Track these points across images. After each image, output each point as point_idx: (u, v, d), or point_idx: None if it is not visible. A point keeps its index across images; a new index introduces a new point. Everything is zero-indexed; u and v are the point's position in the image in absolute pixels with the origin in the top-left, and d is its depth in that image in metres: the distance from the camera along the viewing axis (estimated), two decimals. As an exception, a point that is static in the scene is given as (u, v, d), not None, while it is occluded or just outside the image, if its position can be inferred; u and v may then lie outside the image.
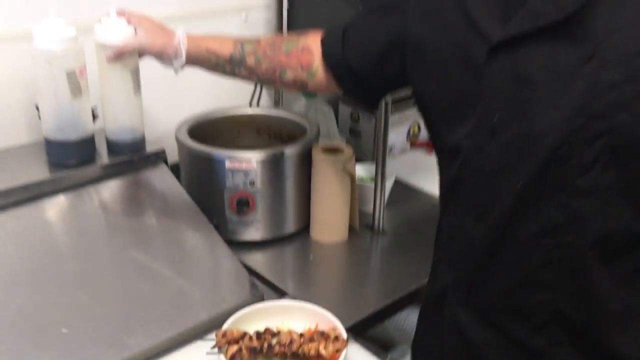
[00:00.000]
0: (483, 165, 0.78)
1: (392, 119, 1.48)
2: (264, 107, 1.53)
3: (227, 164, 1.22)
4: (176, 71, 1.06)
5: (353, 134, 1.71)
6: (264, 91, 1.54)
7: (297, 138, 1.32)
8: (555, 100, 0.71)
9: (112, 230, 1.03)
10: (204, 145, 1.25)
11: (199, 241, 1.11)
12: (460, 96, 0.81)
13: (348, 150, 1.29)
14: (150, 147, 1.16)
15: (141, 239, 1.04)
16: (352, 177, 1.29)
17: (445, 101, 0.84)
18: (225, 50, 1.06)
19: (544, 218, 0.74)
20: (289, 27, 1.49)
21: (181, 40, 1.03)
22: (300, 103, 1.57)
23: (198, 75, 1.45)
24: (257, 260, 1.24)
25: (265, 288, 1.11)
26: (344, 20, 1.33)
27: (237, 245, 1.22)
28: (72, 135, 1.05)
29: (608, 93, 0.67)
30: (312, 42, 1.06)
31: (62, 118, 1.03)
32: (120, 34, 1.02)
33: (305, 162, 1.29)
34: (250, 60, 1.06)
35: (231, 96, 1.51)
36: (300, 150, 1.27)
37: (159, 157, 1.15)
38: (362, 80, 1.01)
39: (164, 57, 1.04)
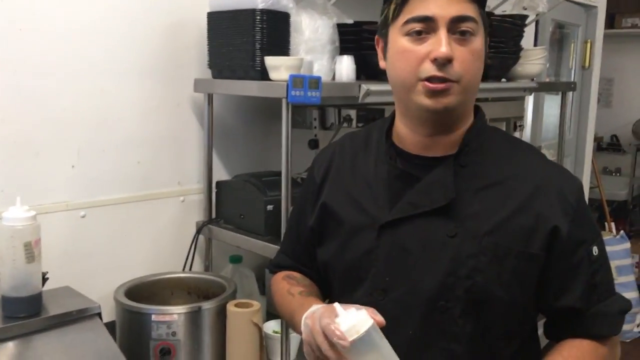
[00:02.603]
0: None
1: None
2: (195, 272, 1.82)
3: (153, 317, 1.48)
4: None
5: (277, 295, 1.99)
6: (197, 258, 1.84)
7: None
8: (430, 265, 0.99)
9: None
10: (135, 302, 1.52)
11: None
12: (355, 264, 1.06)
13: (256, 305, 1.56)
14: (88, 304, 1.43)
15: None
16: (259, 328, 1.55)
17: (343, 267, 1.09)
18: None
19: None
20: (217, 208, 1.85)
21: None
22: (227, 268, 1.87)
23: (139, 243, 1.77)
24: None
25: None
26: (257, 202, 1.67)
27: (157, 388, 1.44)
28: (24, 293, 1.33)
29: (468, 261, 0.97)
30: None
31: (17, 279, 1.31)
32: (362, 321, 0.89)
33: (221, 316, 1.55)
34: None
35: (168, 261, 1.81)
36: (216, 305, 1.54)
37: (94, 311, 1.41)
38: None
39: None
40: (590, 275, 1.00)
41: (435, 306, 0.98)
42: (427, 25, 0.95)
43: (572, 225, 0.98)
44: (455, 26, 0.95)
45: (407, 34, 0.96)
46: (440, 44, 0.93)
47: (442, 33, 0.94)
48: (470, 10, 0.96)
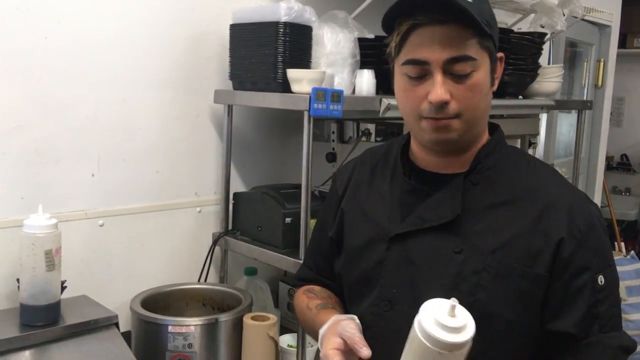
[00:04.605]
0: (384, 327, 1.03)
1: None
2: (210, 283, 1.81)
3: (170, 328, 1.47)
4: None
5: (290, 309, 1.98)
6: (212, 269, 1.84)
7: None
8: (435, 280, 1.00)
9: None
10: (152, 313, 1.51)
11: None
12: (366, 275, 1.08)
13: (273, 318, 1.55)
14: (106, 314, 1.42)
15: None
16: (275, 342, 1.54)
17: (354, 278, 1.12)
18: None
19: None
20: (234, 219, 1.84)
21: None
22: (242, 280, 1.86)
23: (156, 253, 1.77)
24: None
25: None
26: (275, 214, 1.67)
27: (173, 400, 1.42)
28: (43, 301, 1.32)
29: (472, 277, 0.97)
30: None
31: (37, 287, 1.31)
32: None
33: (237, 329, 1.54)
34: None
35: (183, 272, 1.81)
36: (233, 318, 1.53)
37: (111, 321, 1.40)
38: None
39: None
40: (591, 304, 0.96)
41: None
42: (423, 68, 0.96)
43: (577, 248, 0.96)
44: (451, 67, 0.95)
45: (407, 74, 0.99)
46: (435, 87, 0.95)
47: (437, 76, 0.95)
48: (467, 48, 0.95)
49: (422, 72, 0.97)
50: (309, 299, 1.19)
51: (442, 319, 0.81)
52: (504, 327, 0.97)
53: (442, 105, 0.96)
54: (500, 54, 1.05)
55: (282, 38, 1.59)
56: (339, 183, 1.21)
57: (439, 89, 0.95)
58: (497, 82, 1.05)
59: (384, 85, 1.80)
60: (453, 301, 0.82)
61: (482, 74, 0.98)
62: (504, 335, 0.98)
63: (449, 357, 0.81)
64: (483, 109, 1.02)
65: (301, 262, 1.54)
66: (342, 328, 0.98)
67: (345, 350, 0.96)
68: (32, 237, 1.29)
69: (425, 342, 0.81)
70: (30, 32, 1.46)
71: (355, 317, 1.03)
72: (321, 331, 1.03)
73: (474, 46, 0.96)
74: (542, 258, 0.96)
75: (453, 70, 0.96)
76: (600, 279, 0.97)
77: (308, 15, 1.63)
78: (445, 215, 1.00)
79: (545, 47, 3.00)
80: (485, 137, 1.07)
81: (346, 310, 1.18)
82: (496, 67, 1.04)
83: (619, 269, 1.04)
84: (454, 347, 0.80)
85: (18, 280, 1.34)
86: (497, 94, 2.12)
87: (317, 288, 1.22)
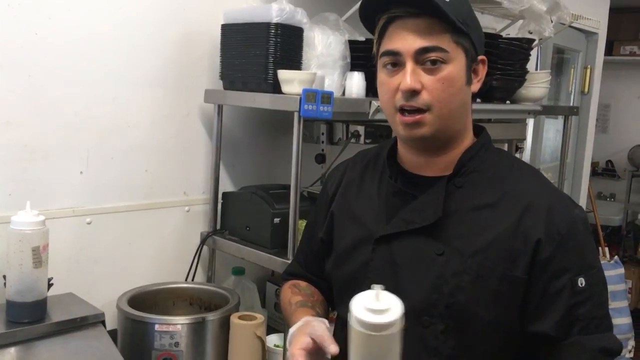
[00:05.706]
0: None
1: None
2: (198, 282, 1.81)
3: (157, 327, 1.47)
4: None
5: (277, 309, 1.98)
6: (199, 268, 1.84)
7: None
8: (417, 281, 1.02)
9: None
10: (138, 311, 1.51)
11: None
12: (353, 275, 1.10)
13: (260, 318, 1.56)
14: (92, 311, 1.42)
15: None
16: (262, 341, 1.54)
17: (343, 278, 1.14)
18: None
19: None
20: (222, 218, 1.84)
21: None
22: (230, 280, 1.86)
23: (143, 251, 1.76)
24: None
25: None
26: (264, 214, 1.67)
27: (159, 399, 1.42)
28: (30, 298, 1.31)
29: (452, 279, 0.99)
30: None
31: (23, 284, 1.30)
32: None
33: (224, 328, 1.54)
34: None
35: (171, 271, 1.80)
36: (220, 317, 1.54)
37: (98, 319, 1.40)
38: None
39: None
40: (570, 305, 0.96)
41: (419, 321, 1.00)
42: (396, 59, 1.00)
43: (556, 250, 0.97)
44: (423, 57, 0.99)
45: (384, 66, 1.02)
46: (405, 76, 0.98)
47: (408, 65, 0.99)
48: (438, 41, 0.98)
49: (396, 62, 1.00)
50: (292, 293, 1.22)
51: (368, 304, 0.88)
52: (483, 328, 0.99)
53: (412, 93, 0.98)
54: (482, 57, 1.06)
55: (273, 39, 1.59)
56: (330, 184, 1.23)
57: (408, 77, 0.98)
58: (479, 85, 1.06)
59: (374, 88, 1.81)
60: (378, 287, 0.89)
61: (455, 68, 1.00)
62: (484, 337, 1.00)
63: (380, 340, 0.87)
64: (457, 104, 1.02)
65: (289, 262, 1.55)
66: (312, 329, 1.00)
67: (312, 351, 0.98)
68: (20, 234, 1.29)
69: (354, 326, 0.88)
70: (21, 28, 1.46)
71: (326, 320, 1.06)
72: (291, 330, 1.06)
73: (447, 40, 0.99)
74: (522, 261, 0.98)
75: (426, 59, 0.98)
76: (581, 281, 0.97)
77: (299, 17, 1.64)
78: (428, 218, 1.02)
79: (533, 53, 3.04)
80: (469, 138, 1.09)
81: (327, 310, 1.21)
82: (477, 68, 1.06)
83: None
84: (380, 327, 0.86)
85: (4, 276, 1.33)
86: (485, 99, 2.14)
87: (303, 284, 1.25)
